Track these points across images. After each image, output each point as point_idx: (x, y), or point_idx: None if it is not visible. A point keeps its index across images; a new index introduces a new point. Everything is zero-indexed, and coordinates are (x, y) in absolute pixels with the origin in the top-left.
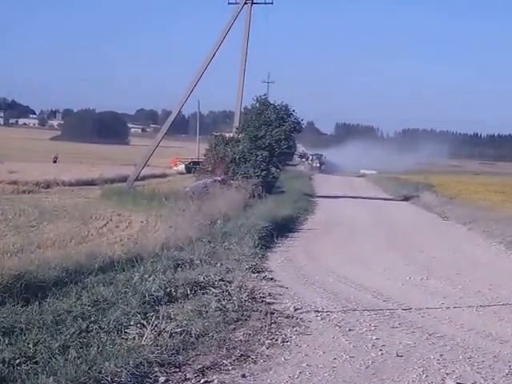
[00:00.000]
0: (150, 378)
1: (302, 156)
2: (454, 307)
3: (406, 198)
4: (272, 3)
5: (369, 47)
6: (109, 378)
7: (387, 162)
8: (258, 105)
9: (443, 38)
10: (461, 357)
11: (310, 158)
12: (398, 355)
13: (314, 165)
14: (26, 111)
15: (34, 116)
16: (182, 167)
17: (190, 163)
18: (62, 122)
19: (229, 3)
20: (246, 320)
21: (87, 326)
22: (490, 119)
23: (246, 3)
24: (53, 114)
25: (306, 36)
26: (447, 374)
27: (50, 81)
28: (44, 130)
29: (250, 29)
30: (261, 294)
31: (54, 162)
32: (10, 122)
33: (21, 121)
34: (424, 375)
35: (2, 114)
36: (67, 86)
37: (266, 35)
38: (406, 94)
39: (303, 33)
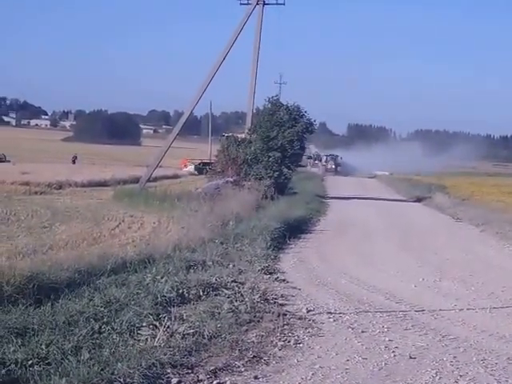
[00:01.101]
0: (163, 380)
1: (315, 157)
2: (468, 309)
3: (419, 199)
4: (284, 4)
5: (379, 47)
6: (121, 380)
7: (409, 164)
8: (270, 105)
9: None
10: (474, 359)
11: (325, 158)
12: (410, 357)
13: (329, 166)
14: (38, 112)
15: (46, 117)
16: (191, 168)
17: (199, 164)
18: (74, 122)
19: (241, 4)
20: (258, 321)
21: (100, 327)
22: (498, 120)
23: (257, 4)
24: (65, 114)
25: (317, 36)
26: (460, 375)
27: (61, 82)
28: (56, 130)
29: (262, 29)
30: (273, 296)
31: (73, 162)
32: (22, 122)
33: (33, 122)
34: (437, 377)
35: (14, 115)
36: (79, 87)
37: (277, 36)
38: (421, 94)
39: (314, 33)
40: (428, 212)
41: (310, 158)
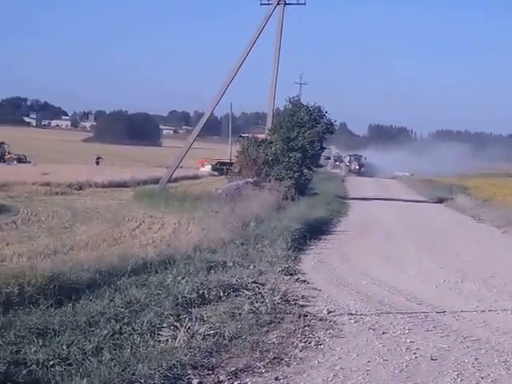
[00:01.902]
0: (183, 381)
1: (336, 159)
2: (489, 310)
3: (440, 200)
4: (305, 4)
5: (402, 47)
6: (142, 380)
7: (431, 165)
8: (290, 106)
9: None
10: (496, 360)
11: (348, 158)
12: (432, 359)
13: (353, 167)
14: (59, 113)
15: (67, 117)
16: (208, 168)
17: (216, 164)
18: (95, 123)
19: (261, 4)
20: (279, 322)
21: (120, 328)
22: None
23: (278, 4)
24: (85, 115)
25: (337, 36)
26: (482, 377)
27: (81, 82)
28: (76, 131)
29: (283, 29)
30: (294, 297)
31: (97, 163)
32: (43, 123)
33: (53, 122)
34: (459, 379)
35: (34, 116)
36: (99, 88)
37: (298, 36)
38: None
39: (335, 33)
40: (449, 213)
41: (327, 158)
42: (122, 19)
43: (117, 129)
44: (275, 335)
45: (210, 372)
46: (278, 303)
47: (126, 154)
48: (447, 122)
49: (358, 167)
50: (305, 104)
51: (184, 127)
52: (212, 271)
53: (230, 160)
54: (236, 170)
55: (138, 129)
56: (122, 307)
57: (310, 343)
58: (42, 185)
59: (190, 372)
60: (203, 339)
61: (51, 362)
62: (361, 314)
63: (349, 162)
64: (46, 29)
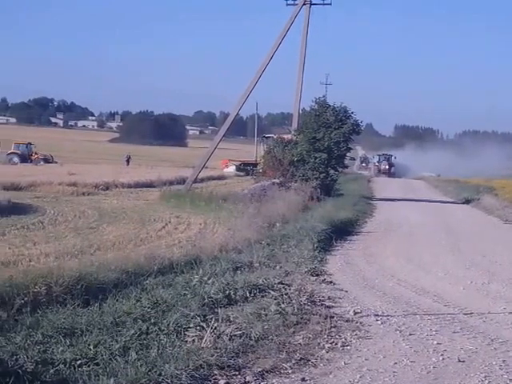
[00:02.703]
0: (210, 381)
1: (362, 160)
2: None
3: (467, 201)
4: (330, 4)
5: (426, 47)
6: (169, 381)
7: (457, 165)
8: (316, 106)
9: None
10: None
11: (377, 158)
12: (459, 360)
13: (383, 167)
14: (85, 113)
15: (93, 118)
16: (232, 168)
17: (240, 164)
18: (121, 123)
19: (287, 4)
20: (305, 323)
21: (147, 328)
22: None
23: (304, 4)
24: (111, 116)
25: (363, 37)
26: (510, 380)
27: (107, 83)
28: (103, 132)
29: (309, 30)
30: (320, 298)
31: (127, 162)
32: (70, 124)
33: (80, 123)
34: (486, 381)
35: (61, 116)
36: (125, 88)
37: (324, 36)
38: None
39: (361, 33)
40: (476, 214)
41: (352, 159)
42: (146, 19)
43: (143, 129)
44: (302, 336)
45: (237, 373)
46: (305, 304)
47: (153, 154)
48: (473, 121)
49: (387, 167)
50: (331, 104)
51: (210, 128)
52: (238, 272)
53: (255, 161)
54: (260, 171)
55: (164, 129)
56: (148, 307)
57: (336, 344)
58: (68, 185)
59: (216, 372)
60: (230, 340)
61: (78, 362)
62: (387, 315)
63: (378, 162)
64: (71, 28)
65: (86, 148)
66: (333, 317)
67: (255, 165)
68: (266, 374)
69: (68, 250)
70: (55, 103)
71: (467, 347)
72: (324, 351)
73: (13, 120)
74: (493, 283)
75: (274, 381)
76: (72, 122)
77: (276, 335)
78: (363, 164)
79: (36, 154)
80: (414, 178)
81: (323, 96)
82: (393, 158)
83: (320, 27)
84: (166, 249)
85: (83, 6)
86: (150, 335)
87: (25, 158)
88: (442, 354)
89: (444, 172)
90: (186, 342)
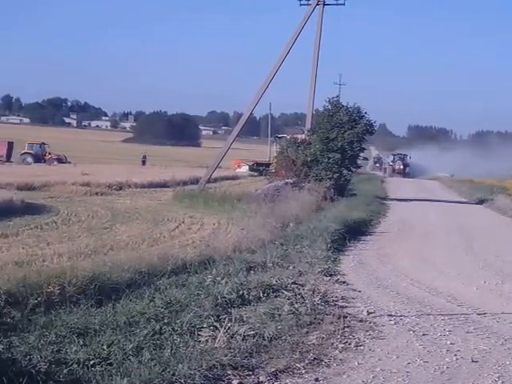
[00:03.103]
0: (223, 381)
1: (376, 160)
2: None
3: (480, 201)
4: (344, 4)
5: (440, 48)
6: (182, 381)
7: (470, 166)
8: (329, 106)
9: None
10: None
11: (392, 158)
12: (473, 361)
13: (397, 167)
14: (99, 113)
15: (107, 118)
16: (245, 168)
17: (253, 164)
18: (134, 124)
19: (301, 4)
20: (318, 323)
21: (160, 328)
22: None
23: (318, 4)
24: (125, 116)
25: (377, 36)
26: None
27: (121, 83)
28: (116, 132)
29: (322, 30)
30: (333, 298)
31: (143, 162)
32: (83, 124)
33: (93, 123)
34: (500, 381)
35: (75, 117)
36: (139, 88)
37: (337, 36)
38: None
39: (375, 33)
40: (489, 214)
41: (365, 159)
42: (158, 18)
43: (156, 129)
44: (315, 336)
45: (250, 373)
46: (318, 304)
47: (166, 154)
48: (487, 122)
49: (402, 167)
50: (344, 104)
51: (223, 128)
52: (251, 272)
53: (268, 161)
54: (273, 171)
55: (177, 129)
56: (161, 307)
57: (349, 344)
58: (82, 185)
59: (229, 372)
60: (243, 340)
61: (92, 362)
62: (401, 316)
63: (392, 161)
64: (84, 28)
65: (99, 148)
66: (346, 317)
67: (268, 165)
68: (279, 374)
69: (81, 250)
70: (69, 103)
71: (481, 347)
72: (337, 351)
73: (26, 120)
74: (506, 283)
75: (287, 381)
76: (85, 122)
77: (289, 335)
78: (377, 164)
79: (50, 154)
80: (428, 179)
81: (336, 96)
82: (408, 157)
83: (334, 27)
84: (179, 249)
85: (97, 5)
86: (164, 335)
87: (38, 158)
88: (455, 354)
89: (458, 172)
90: (200, 341)
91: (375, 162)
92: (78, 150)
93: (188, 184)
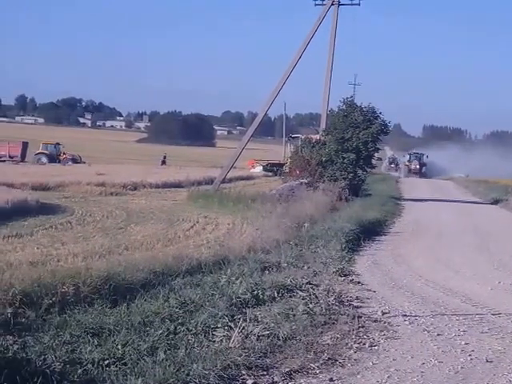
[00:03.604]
0: (238, 381)
1: (391, 161)
2: None
3: (495, 201)
4: (359, 4)
5: (456, 48)
6: (197, 380)
7: (486, 166)
8: (344, 107)
9: None
10: None
11: (408, 157)
12: (487, 361)
13: (413, 166)
14: (113, 113)
15: (121, 118)
16: (259, 169)
17: (267, 165)
18: (149, 124)
19: (316, 4)
20: (333, 323)
21: (175, 328)
22: None
23: (332, 4)
24: (139, 116)
25: (392, 37)
26: None
27: (135, 83)
28: (130, 132)
29: (337, 30)
30: (348, 298)
31: (163, 162)
32: (98, 124)
33: (108, 123)
34: None
35: (89, 117)
36: (153, 88)
37: (352, 36)
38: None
39: (389, 33)
40: (504, 214)
41: (379, 159)
42: (172, 19)
43: (171, 129)
44: (329, 336)
45: (265, 373)
46: (333, 304)
47: (181, 154)
48: (501, 122)
49: (418, 167)
50: (359, 105)
51: (238, 128)
52: (266, 272)
53: (280, 161)
54: (286, 171)
55: (192, 129)
56: (176, 307)
57: (364, 344)
58: (96, 185)
59: (244, 372)
60: (257, 340)
61: (106, 362)
62: (415, 316)
63: (408, 161)
64: (98, 28)
65: (114, 148)
66: (361, 317)
67: (281, 165)
68: (293, 374)
69: (96, 250)
70: (83, 103)
71: (495, 347)
72: (352, 351)
73: (41, 120)
74: None
75: (301, 381)
76: (100, 123)
77: (304, 335)
78: (392, 165)
79: (64, 154)
80: (443, 179)
81: (351, 96)
82: (424, 157)
83: (349, 27)
84: (194, 249)
85: (109, 5)
86: (178, 335)
87: (53, 158)
88: (469, 355)
89: (478, 173)
90: (214, 341)
91: (390, 163)
92: (92, 150)
93: (203, 184)
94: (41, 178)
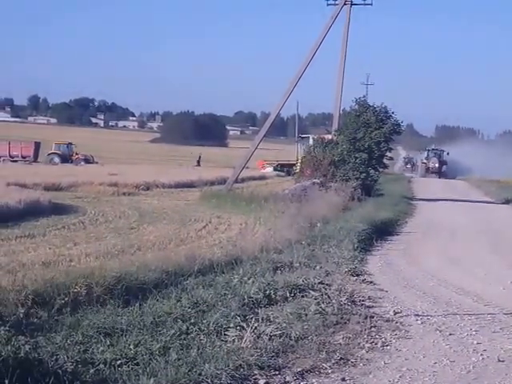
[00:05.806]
0: (250, 381)
1: (406, 161)
2: None
3: (507, 201)
4: (371, 4)
5: (467, 48)
6: (209, 380)
7: (499, 165)
8: (357, 107)
9: None
10: None
11: (426, 154)
12: (499, 360)
13: (432, 165)
14: (126, 114)
15: (134, 118)
16: (269, 169)
17: (277, 165)
18: (161, 124)
19: (328, 4)
20: (345, 323)
21: (187, 328)
22: None
23: (345, 4)
24: (152, 116)
25: (405, 37)
26: None
27: (148, 83)
28: (143, 132)
29: (349, 30)
30: (360, 298)
31: (198, 163)
32: (110, 124)
33: (120, 123)
34: None
35: (102, 117)
36: (166, 89)
37: (365, 36)
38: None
39: (402, 34)
40: None
41: (390, 158)
42: (185, 20)
43: (184, 129)
44: (342, 336)
45: (277, 372)
46: (345, 304)
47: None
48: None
49: (438, 165)
50: (371, 104)
51: (250, 128)
52: (278, 272)
53: (290, 161)
54: (297, 171)
55: (204, 129)
56: (188, 307)
57: (376, 344)
58: (109, 185)
59: (256, 372)
60: (269, 340)
61: (118, 362)
62: (427, 315)
63: (426, 158)
64: (110, 29)
65: (126, 148)
66: (373, 317)
67: (291, 165)
68: (305, 374)
69: (108, 251)
70: (96, 103)
71: (507, 347)
72: (364, 351)
73: (53, 120)
74: None
75: (313, 380)
76: (113, 123)
77: (316, 335)
78: (408, 165)
79: (77, 154)
80: (455, 179)
81: (363, 96)
82: (445, 153)
83: (362, 27)
84: (206, 249)
85: (122, 6)
86: (190, 335)
87: (65, 159)
88: (481, 354)
89: (487, 172)
90: (226, 341)
91: (406, 163)
92: (105, 151)
93: (215, 184)
94: (53, 178)
